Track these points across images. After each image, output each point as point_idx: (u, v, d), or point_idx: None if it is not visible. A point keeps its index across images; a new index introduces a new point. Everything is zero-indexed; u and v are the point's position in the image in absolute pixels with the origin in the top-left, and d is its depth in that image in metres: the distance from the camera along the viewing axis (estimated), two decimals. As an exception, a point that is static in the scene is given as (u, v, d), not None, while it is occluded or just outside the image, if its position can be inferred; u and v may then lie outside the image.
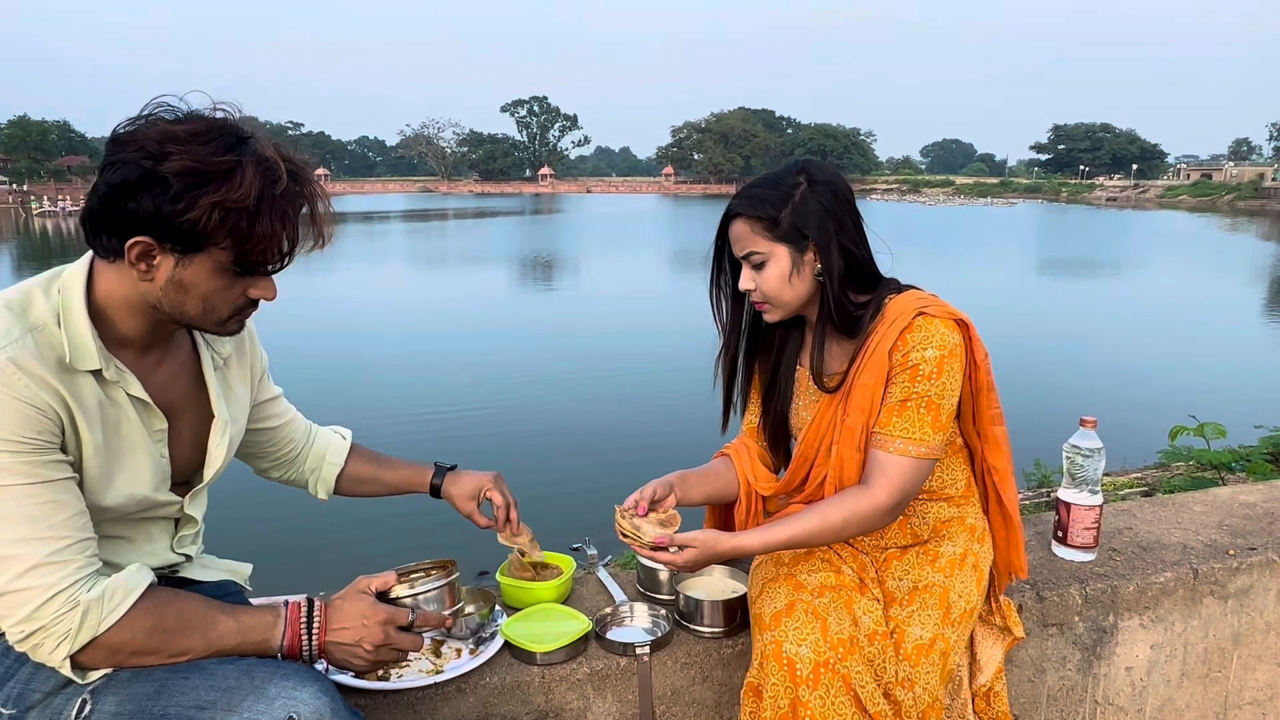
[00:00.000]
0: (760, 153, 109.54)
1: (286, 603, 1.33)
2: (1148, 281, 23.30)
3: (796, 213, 1.57)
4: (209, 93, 1.22)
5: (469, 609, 1.74)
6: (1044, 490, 4.85)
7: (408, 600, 1.42)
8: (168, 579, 1.45)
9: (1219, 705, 2.14)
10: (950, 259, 26.65)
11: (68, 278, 1.23)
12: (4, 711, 1.22)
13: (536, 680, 1.65)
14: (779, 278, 1.59)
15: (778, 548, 1.60)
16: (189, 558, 1.48)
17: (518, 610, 1.81)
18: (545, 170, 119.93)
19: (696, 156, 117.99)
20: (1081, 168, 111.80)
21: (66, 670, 1.18)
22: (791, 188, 1.58)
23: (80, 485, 1.23)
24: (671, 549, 1.56)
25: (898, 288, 1.65)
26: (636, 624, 1.83)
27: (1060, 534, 2.09)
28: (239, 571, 1.62)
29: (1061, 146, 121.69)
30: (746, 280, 1.63)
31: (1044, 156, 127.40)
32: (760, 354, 1.82)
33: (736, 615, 1.77)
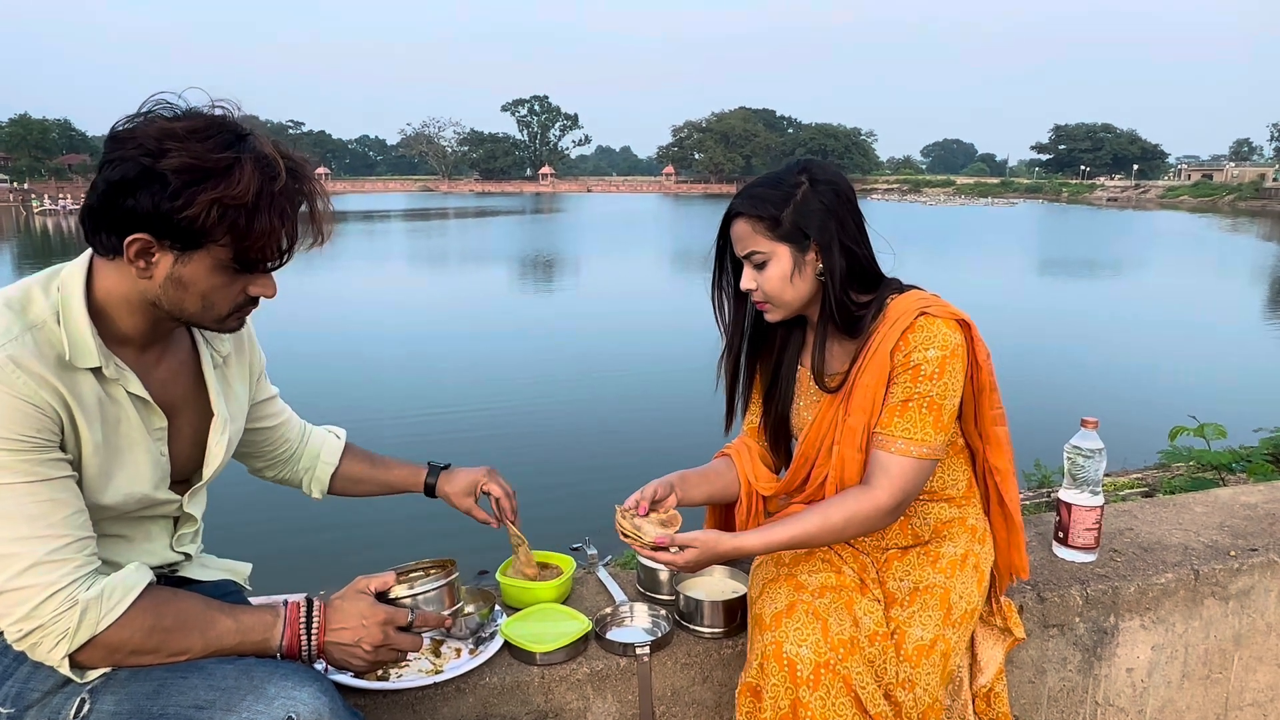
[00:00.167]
0: (761, 152, 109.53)
1: (286, 602, 1.33)
2: (1148, 282, 23.29)
3: (798, 212, 1.56)
4: (208, 91, 1.21)
5: (468, 609, 1.74)
6: (1044, 491, 4.85)
7: (407, 600, 1.42)
8: (167, 578, 1.45)
9: (1220, 706, 2.14)
10: (951, 259, 26.64)
11: (67, 275, 1.23)
12: (3, 710, 1.22)
13: (536, 680, 1.64)
14: (780, 277, 1.59)
15: (779, 548, 1.60)
16: (188, 556, 1.48)
17: (517, 610, 1.80)
18: (546, 170, 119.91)
19: (697, 156, 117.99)
20: (1082, 168, 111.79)
21: (65, 669, 1.18)
22: (793, 187, 1.58)
23: (79, 483, 1.22)
24: (672, 549, 1.56)
25: (899, 288, 1.64)
26: (636, 624, 1.83)
27: (1061, 535, 2.08)
28: (238, 571, 1.62)
29: (1062, 147, 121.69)
30: (748, 280, 1.62)
31: (1045, 157, 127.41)
32: (761, 354, 1.82)
33: (737, 615, 1.77)
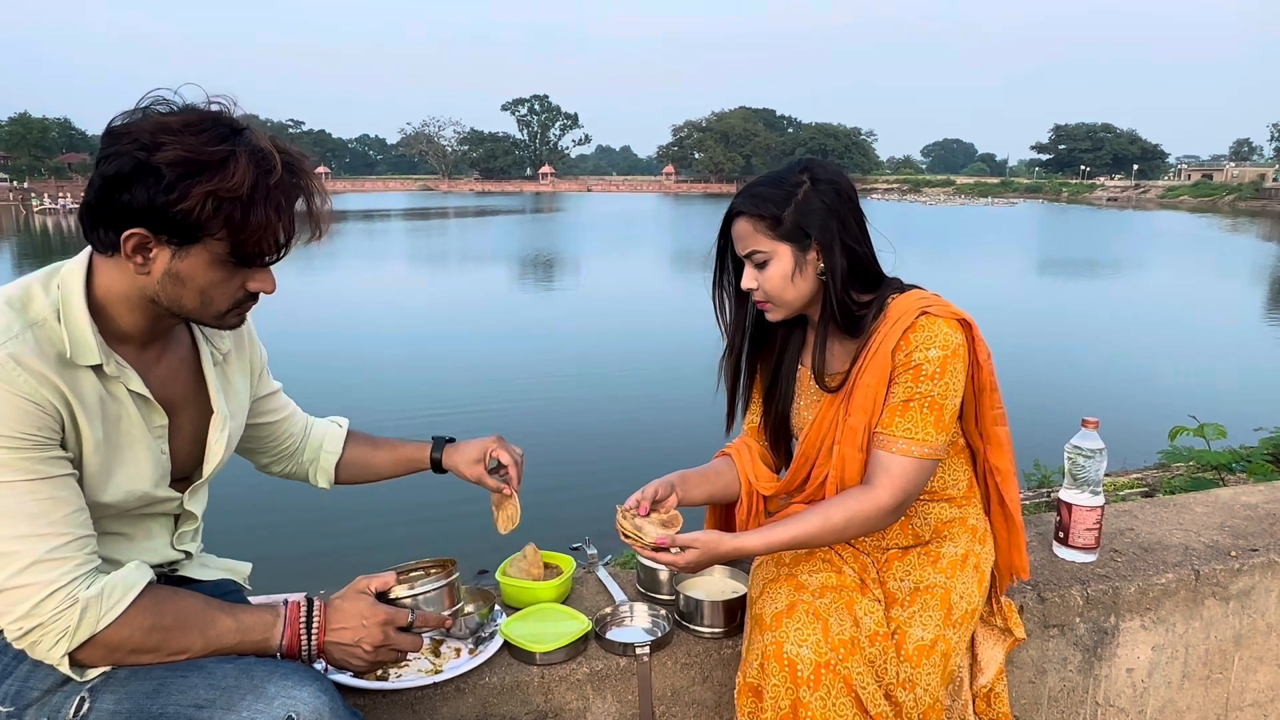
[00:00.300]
0: (761, 152, 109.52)
1: (286, 602, 1.33)
2: (1148, 282, 23.29)
3: (799, 211, 1.56)
4: (204, 87, 1.21)
5: (468, 609, 1.73)
6: (1045, 491, 4.85)
7: (407, 601, 1.41)
8: (167, 577, 1.45)
9: (1220, 707, 2.14)
10: (951, 259, 26.63)
11: (67, 273, 1.23)
12: (2, 709, 1.22)
13: (536, 680, 1.64)
14: (781, 277, 1.59)
15: (780, 548, 1.60)
16: (189, 555, 1.48)
17: (517, 610, 1.80)
18: (546, 169, 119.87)
19: (697, 156, 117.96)
20: (1082, 168, 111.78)
21: (65, 668, 1.18)
22: (795, 186, 1.58)
23: (80, 482, 1.22)
24: (673, 550, 1.55)
25: (900, 287, 1.64)
26: (636, 624, 1.83)
27: (1061, 535, 2.08)
28: (238, 570, 1.61)
29: (1062, 146, 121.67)
30: (749, 279, 1.62)
31: (1045, 156, 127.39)
32: (762, 354, 1.82)
33: (737, 616, 1.77)
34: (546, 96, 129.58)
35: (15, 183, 79.66)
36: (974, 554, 1.67)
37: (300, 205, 1.24)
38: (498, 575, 1.89)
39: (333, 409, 1.83)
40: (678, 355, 11.47)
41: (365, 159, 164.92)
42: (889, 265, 1.68)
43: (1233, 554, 2.10)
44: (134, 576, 1.22)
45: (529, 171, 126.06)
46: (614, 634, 1.77)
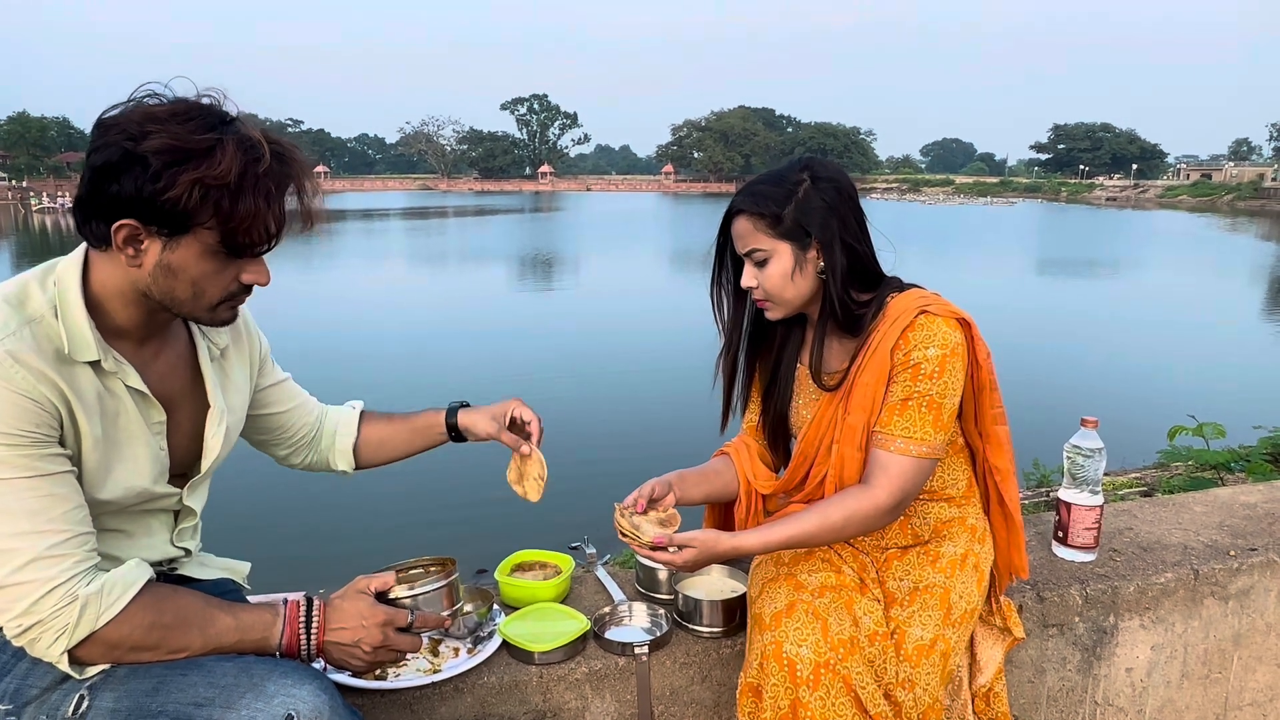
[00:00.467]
0: (760, 151, 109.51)
1: (286, 601, 1.32)
2: (1147, 281, 23.31)
3: (800, 210, 1.56)
4: (196, 82, 1.21)
5: (467, 608, 1.73)
6: (1044, 490, 4.85)
7: (407, 601, 1.41)
8: (166, 576, 1.44)
9: (1219, 706, 2.14)
10: (950, 258, 26.64)
11: (63, 270, 1.23)
12: (1, 707, 1.22)
13: (534, 680, 1.64)
14: (781, 275, 1.58)
15: (777, 547, 1.60)
16: (188, 552, 1.48)
17: (516, 609, 1.80)
18: (545, 168, 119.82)
19: (696, 155, 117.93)
20: (1081, 167, 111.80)
21: (64, 665, 1.18)
22: (795, 185, 1.57)
23: (79, 478, 1.22)
24: (671, 549, 1.55)
25: (899, 286, 1.64)
26: (635, 623, 1.82)
27: (1061, 534, 2.08)
28: (237, 570, 1.61)
29: (1061, 146, 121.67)
30: (749, 278, 1.62)
31: (1044, 156, 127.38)
32: (761, 352, 1.81)
33: (736, 615, 1.77)
34: (546, 96, 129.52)
35: (14, 181, 79.61)
36: (973, 553, 1.67)
37: (291, 196, 1.23)
38: (496, 575, 1.89)
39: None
40: (677, 354, 11.47)
41: (364, 158, 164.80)
42: (888, 264, 1.68)
43: (1231, 553, 2.10)
44: (134, 574, 1.22)
45: (528, 171, 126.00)
46: (613, 633, 1.77)
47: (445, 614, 1.45)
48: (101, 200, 1.15)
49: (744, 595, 1.75)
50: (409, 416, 1.75)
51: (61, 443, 1.19)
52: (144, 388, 1.29)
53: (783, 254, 1.58)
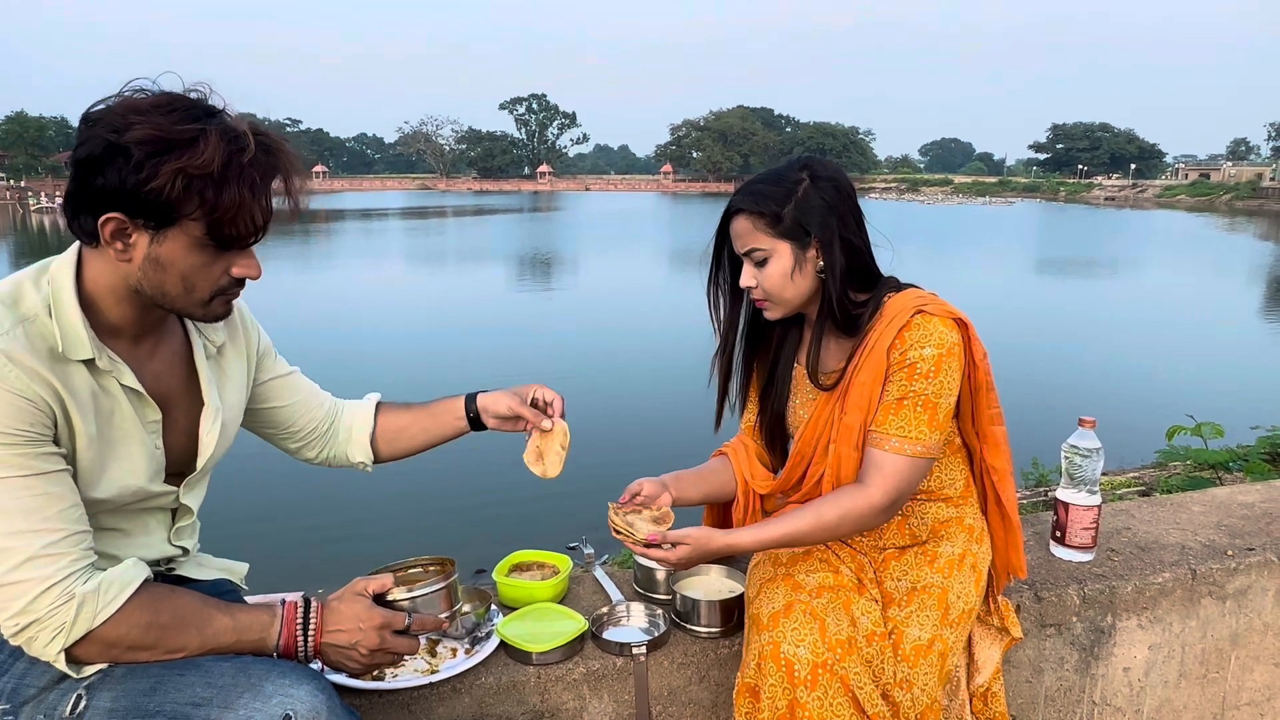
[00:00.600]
0: (759, 151, 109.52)
1: (283, 602, 1.32)
2: (1146, 281, 23.33)
3: (800, 209, 1.55)
4: (184, 78, 1.21)
5: (465, 608, 1.73)
6: (1042, 490, 4.85)
7: (405, 603, 1.40)
8: (164, 576, 1.44)
9: (1216, 706, 2.14)
10: (948, 258, 26.66)
11: (56, 269, 1.23)
12: (-1, 706, 1.22)
13: (532, 680, 1.64)
14: (781, 274, 1.58)
15: (771, 545, 1.59)
16: (186, 551, 1.47)
17: (514, 609, 1.80)
18: (544, 168, 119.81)
19: (695, 155, 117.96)
20: (1080, 167, 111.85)
21: (61, 664, 1.17)
22: (795, 184, 1.57)
23: (74, 478, 1.22)
24: (664, 546, 1.55)
25: (897, 286, 1.64)
26: (633, 624, 1.82)
27: (1058, 534, 2.08)
28: (235, 570, 1.61)
29: (1060, 146, 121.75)
30: (748, 277, 1.62)
31: (1042, 156, 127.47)
32: (758, 352, 1.81)
33: (734, 615, 1.77)
34: (544, 95, 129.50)
35: (12, 181, 79.59)
36: (971, 553, 1.67)
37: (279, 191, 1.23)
38: (494, 575, 1.88)
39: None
40: (676, 354, 11.47)
41: (363, 158, 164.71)
42: (886, 263, 1.68)
43: (1229, 553, 2.10)
44: (131, 573, 1.22)
45: (527, 171, 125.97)
46: (610, 634, 1.77)
47: (443, 616, 1.44)
48: (88, 194, 1.15)
49: (742, 595, 1.75)
50: (427, 405, 1.72)
51: (56, 441, 1.19)
52: (139, 386, 1.28)
53: (782, 253, 1.57)
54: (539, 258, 29.24)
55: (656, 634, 1.74)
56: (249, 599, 1.55)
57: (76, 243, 1.24)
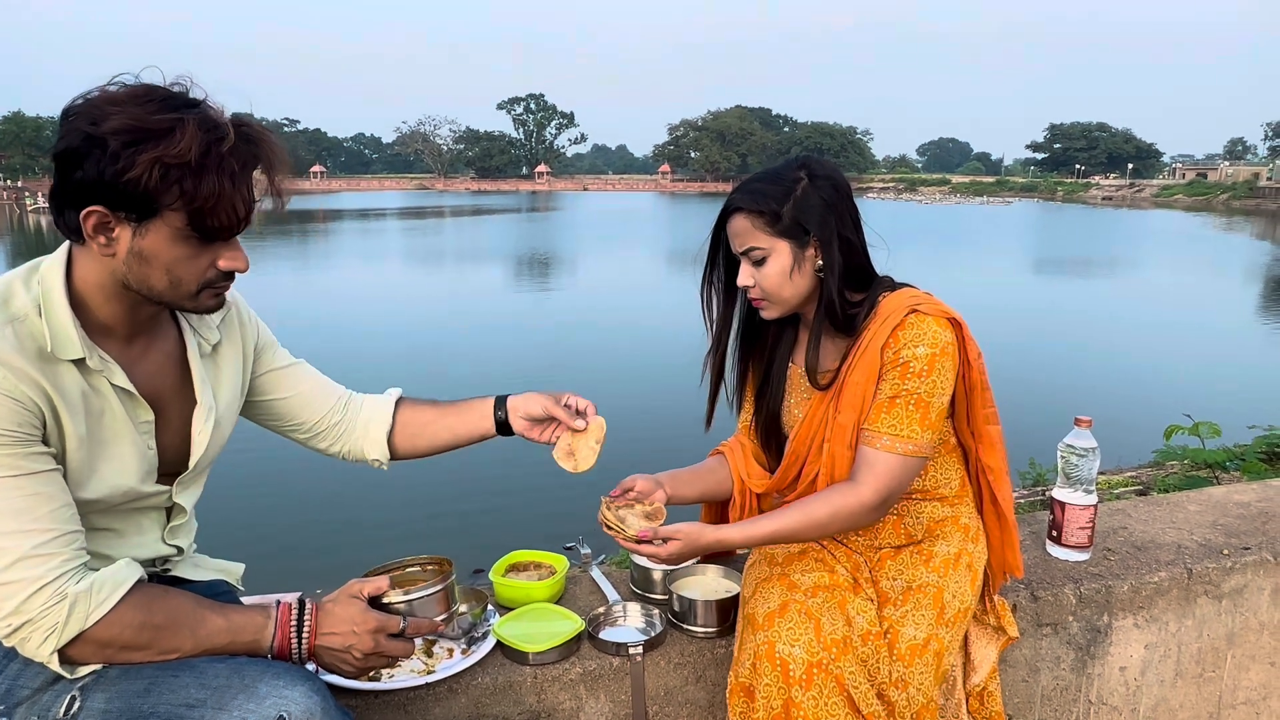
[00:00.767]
0: (757, 151, 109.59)
1: (278, 603, 1.32)
2: (1143, 280, 23.35)
3: (798, 207, 1.55)
4: (185, 78, 1.20)
5: (461, 608, 1.73)
6: (1039, 489, 4.86)
7: (401, 606, 1.39)
8: (159, 577, 1.44)
9: (1213, 705, 2.14)
10: (946, 258, 26.67)
11: (47, 268, 1.22)
12: (-8, 708, 1.22)
13: (529, 680, 1.64)
14: (780, 274, 1.58)
15: (761, 541, 1.59)
16: (181, 550, 1.47)
17: (510, 610, 1.80)
18: (542, 168, 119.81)
19: (693, 155, 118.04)
20: (1077, 167, 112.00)
21: (54, 665, 1.17)
22: (793, 182, 1.57)
23: (64, 477, 1.22)
24: (655, 541, 1.55)
25: (891, 285, 1.64)
26: (630, 624, 1.82)
27: (1055, 533, 2.08)
28: (231, 571, 1.61)
29: (1058, 145, 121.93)
30: (745, 276, 1.61)
31: (1040, 155, 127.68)
32: (754, 352, 1.81)
33: (730, 615, 1.76)
34: (542, 95, 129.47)
35: (9, 181, 79.50)
36: (967, 553, 1.67)
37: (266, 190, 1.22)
38: (491, 575, 1.88)
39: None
40: (675, 354, 11.46)
41: (361, 158, 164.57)
42: (881, 263, 1.68)
43: (1225, 552, 2.10)
44: (123, 573, 1.21)
45: (525, 170, 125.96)
46: (607, 634, 1.77)
47: (439, 618, 1.44)
48: (69, 188, 1.15)
49: (738, 595, 1.75)
50: (454, 404, 1.69)
51: (45, 442, 1.19)
52: (130, 386, 1.28)
53: (781, 252, 1.57)
54: (536, 257, 29.23)
55: (653, 634, 1.74)
56: (245, 600, 1.54)
57: (67, 242, 1.23)
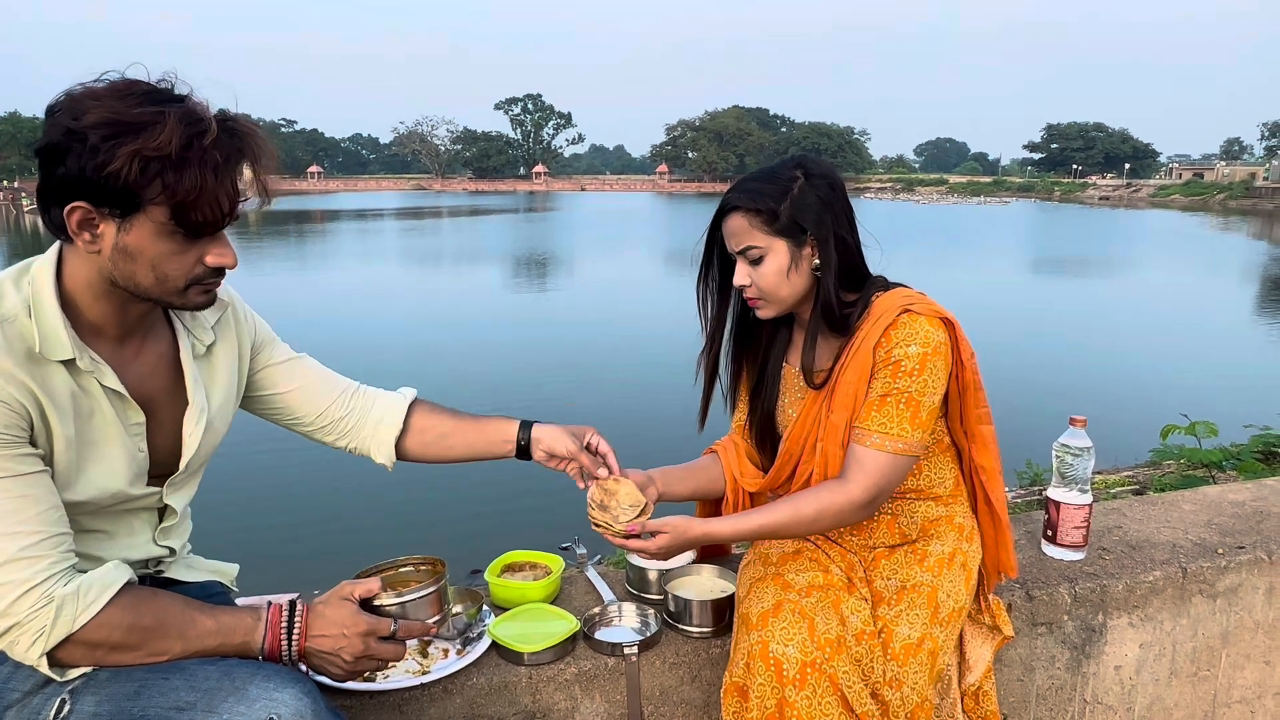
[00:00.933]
0: (754, 151, 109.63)
1: (269, 604, 1.31)
2: (1140, 280, 23.39)
3: (795, 206, 1.55)
4: (185, 78, 1.20)
5: (456, 609, 1.72)
6: (1036, 489, 4.86)
7: (393, 608, 1.38)
8: (153, 579, 1.43)
9: (1207, 704, 2.15)
10: (943, 258, 26.70)
11: (37, 268, 1.22)
12: (-18, 711, 1.21)
13: (524, 681, 1.64)
14: (777, 273, 1.58)
15: (748, 535, 1.59)
16: (173, 551, 1.46)
17: (505, 610, 1.79)
18: (539, 168, 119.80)
19: (691, 155, 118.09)
20: (1074, 166, 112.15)
21: (44, 667, 1.17)
22: (790, 181, 1.57)
23: (52, 479, 1.21)
24: (643, 535, 1.55)
25: (885, 285, 1.64)
26: (625, 624, 1.82)
27: (1050, 533, 2.09)
28: (225, 572, 1.60)
29: (1054, 145, 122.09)
30: (742, 275, 1.61)
31: (1037, 155, 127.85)
32: (748, 352, 1.81)
33: (725, 615, 1.76)
34: (540, 95, 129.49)
35: (5, 182, 79.39)
36: (961, 552, 1.67)
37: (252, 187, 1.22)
38: (486, 575, 1.88)
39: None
40: (672, 353, 11.45)
41: (358, 158, 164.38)
42: (875, 262, 1.68)
43: (1220, 551, 2.11)
44: (111, 575, 1.20)
45: (522, 171, 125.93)
46: (602, 634, 1.77)
47: (432, 621, 1.43)
48: (52, 184, 1.14)
49: (734, 595, 1.75)
50: (474, 419, 1.65)
51: (33, 443, 1.18)
52: (120, 388, 1.27)
53: (778, 251, 1.57)
54: (534, 257, 29.22)
55: (648, 634, 1.74)
56: (238, 600, 1.54)
57: (58, 242, 1.23)
